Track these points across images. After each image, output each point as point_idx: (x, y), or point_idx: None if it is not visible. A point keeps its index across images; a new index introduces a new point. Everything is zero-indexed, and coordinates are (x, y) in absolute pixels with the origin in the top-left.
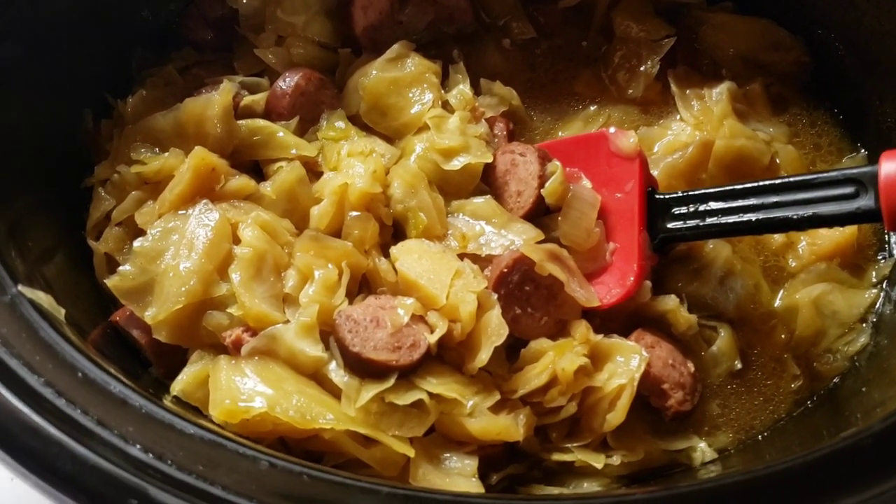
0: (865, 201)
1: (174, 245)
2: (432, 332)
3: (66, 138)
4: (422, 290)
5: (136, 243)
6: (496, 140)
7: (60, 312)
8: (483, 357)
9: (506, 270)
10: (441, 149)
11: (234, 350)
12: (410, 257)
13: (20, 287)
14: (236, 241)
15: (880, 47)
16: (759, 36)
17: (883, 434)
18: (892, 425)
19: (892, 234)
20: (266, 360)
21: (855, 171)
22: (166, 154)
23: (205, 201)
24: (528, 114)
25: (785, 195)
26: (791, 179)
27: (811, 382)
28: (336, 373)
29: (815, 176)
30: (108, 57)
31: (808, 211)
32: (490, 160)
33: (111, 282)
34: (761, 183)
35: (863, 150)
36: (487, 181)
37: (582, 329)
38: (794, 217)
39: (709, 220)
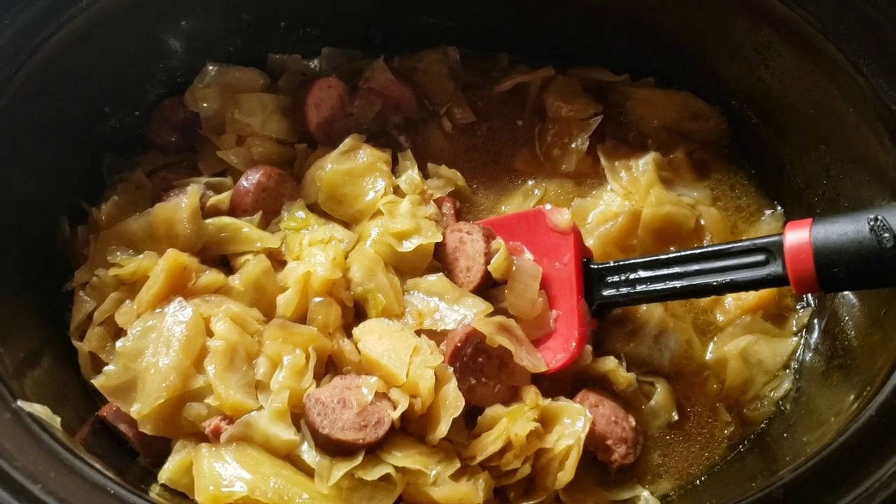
0: (774, 268)
1: (153, 343)
2: (395, 408)
3: (46, 245)
4: (383, 368)
5: (119, 343)
6: (445, 219)
7: (56, 421)
8: (443, 429)
9: (459, 345)
10: (395, 232)
11: (213, 438)
12: (371, 337)
13: (19, 402)
14: (209, 333)
15: (786, 117)
16: (679, 107)
17: (792, 483)
18: (800, 475)
19: None
20: (243, 446)
21: (764, 240)
22: (141, 256)
23: (179, 299)
24: (472, 192)
25: (704, 263)
26: (709, 249)
27: (742, 428)
28: (308, 453)
29: (730, 245)
30: (81, 165)
31: (726, 277)
32: (440, 240)
33: (97, 381)
34: (683, 253)
35: (779, 208)
36: (439, 257)
37: (532, 395)
38: (714, 283)
39: (639, 288)
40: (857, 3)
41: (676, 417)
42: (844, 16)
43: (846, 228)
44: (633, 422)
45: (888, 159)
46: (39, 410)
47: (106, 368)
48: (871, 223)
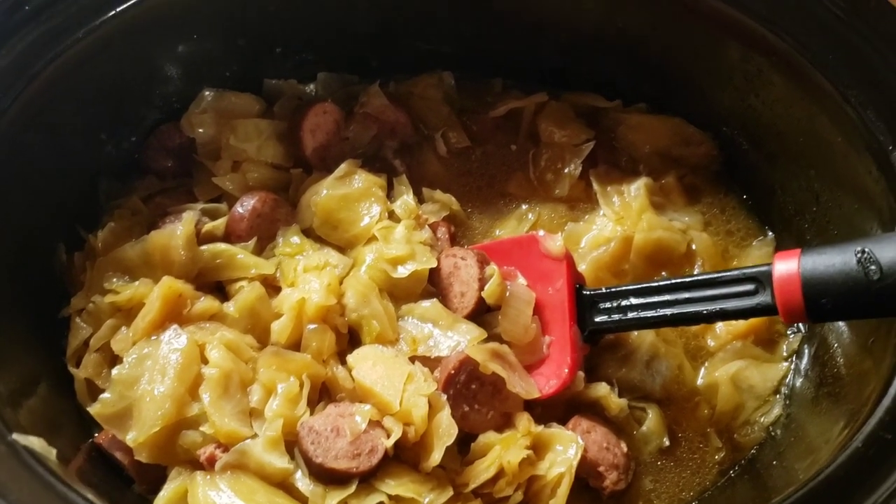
0: (764, 297)
1: (149, 371)
2: (388, 436)
3: (42, 271)
4: (377, 396)
5: (115, 371)
6: (440, 243)
7: (52, 453)
8: (436, 457)
9: (453, 372)
10: (389, 258)
11: (208, 466)
12: (365, 364)
13: (14, 435)
14: (204, 361)
15: (777, 144)
16: (671, 133)
17: None
18: None
19: None
20: (238, 474)
21: (754, 270)
22: (136, 283)
23: (174, 326)
24: (467, 216)
25: (695, 292)
26: (700, 277)
27: (733, 453)
28: (302, 481)
29: (720, 274)
30: (77, 191)
31: (716, 306)
32: (435, 265)
33: (94, 409)
34: (674, 281)
35: (770, 234)
36: (433, 282)
37: (524, 421)
38: (704, 312)
39: (630, 315)
40: (846, 34)
41: (668, 443)
42: (834, 47)
43: (834, 260)
44: (624, 448)
45: (876, 188)
46: (35, 443)
47: (102, 396)
48: (859, 255)
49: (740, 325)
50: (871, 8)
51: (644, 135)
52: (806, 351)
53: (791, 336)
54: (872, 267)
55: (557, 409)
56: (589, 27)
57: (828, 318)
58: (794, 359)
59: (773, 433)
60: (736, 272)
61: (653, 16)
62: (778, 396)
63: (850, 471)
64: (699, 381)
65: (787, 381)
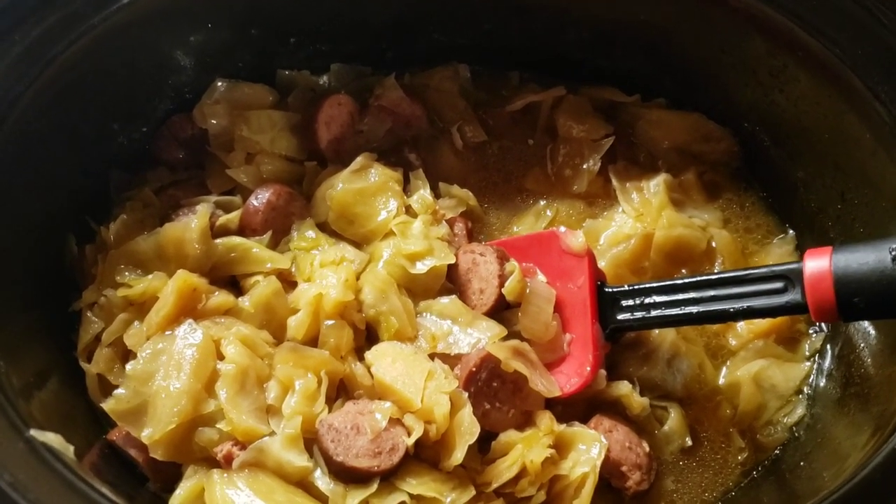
0: (793, 295)
1: (163, 366)
2: (409, 434)
3: (52, 263)
4: (397, 393)
5: (129, 367)
6: (457, 239)
7: (69, 450)
8: (458, 455)
9: (474, 369)
10: (407, 254)
11: (225, 464)
12: (384, 361)
13: (32, 431)
14: (220, 356)
15: (800, 141)
16: (690, 129)
17: None
18: None
19: None
20: (256, 472)
21: (783, 267)
22: (150, 276)
23: (189, 321)
24: (484, 212)
25: (721, 289)
26: (726, 275)
27: (756, 454)
28: (322, 480)
29: (748, 272)
30: (88, 182)
31: (743, 304)
32: (453, 261)
33: (108, 406)
34: (699, 278)
35: (791, 231)
36: (451, 278)
37: (546, 420)
38: (731, 310)
39: (654, 313)
40: (876, 29)
41: (690, 443)
42: (863, 42)
43: (867, 258)
44: (646, 447)
45: None
46: (53, 440)
47: (116, 392)
48: (893, 253)
49: (762, 323)
50: None
51: (663, 130)
52: (829, 350)
53: (813, 335)
54: None
55: (578, 407)
56: (610, 20)
57: (860, 317)
58: (816, 358)
59: (796, 434)
60: (764, 269)
61: (676, 9)
62: (801, 396)
63: (886, 473)
64: (721, 381)
65: (810, 380)
